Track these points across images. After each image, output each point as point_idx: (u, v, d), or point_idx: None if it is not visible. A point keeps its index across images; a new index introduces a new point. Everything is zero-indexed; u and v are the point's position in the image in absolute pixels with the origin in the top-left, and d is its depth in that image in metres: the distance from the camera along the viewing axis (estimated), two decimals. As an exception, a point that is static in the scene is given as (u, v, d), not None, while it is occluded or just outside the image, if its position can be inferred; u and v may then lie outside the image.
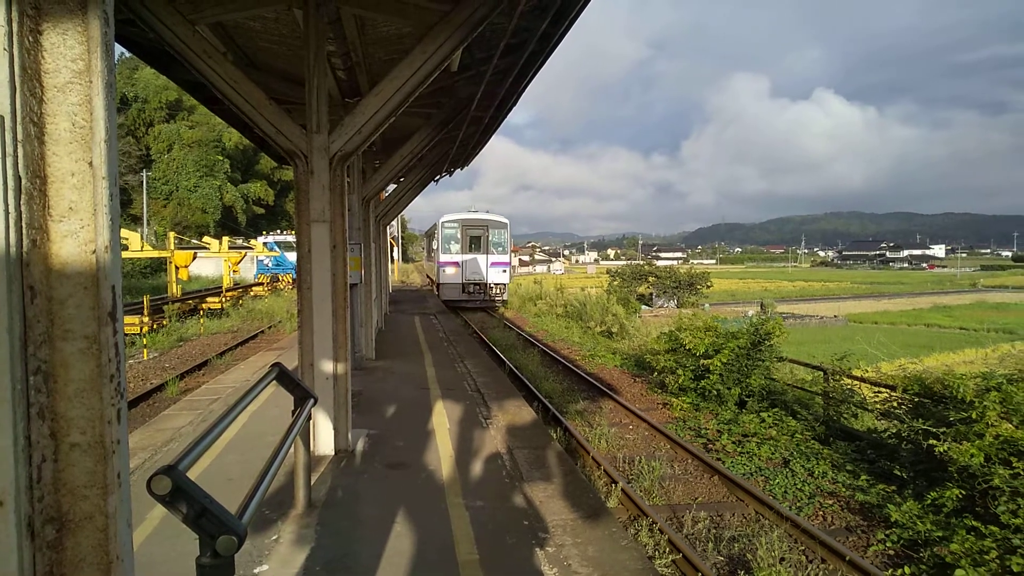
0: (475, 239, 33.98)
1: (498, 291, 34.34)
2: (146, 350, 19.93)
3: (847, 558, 7.10)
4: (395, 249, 55.03)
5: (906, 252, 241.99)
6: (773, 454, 10.69)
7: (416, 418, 9.31)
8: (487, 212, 35.56)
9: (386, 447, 7.94)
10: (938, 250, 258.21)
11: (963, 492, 7.76)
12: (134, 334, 21.33)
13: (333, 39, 8.73)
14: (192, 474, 2.84)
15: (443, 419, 9.24)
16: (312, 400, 5.72)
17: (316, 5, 7.05)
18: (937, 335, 40.21)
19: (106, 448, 1.99)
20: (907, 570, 7.16)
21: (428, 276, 49.62)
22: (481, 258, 33.93)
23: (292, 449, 5.45)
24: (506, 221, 34.74)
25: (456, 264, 33.62)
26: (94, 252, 1.96)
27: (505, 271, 34.42)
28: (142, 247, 30.12)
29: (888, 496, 8.63)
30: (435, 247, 36.55)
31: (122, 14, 6.42)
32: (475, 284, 33.85)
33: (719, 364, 13.32)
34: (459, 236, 33.96)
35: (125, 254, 31.04)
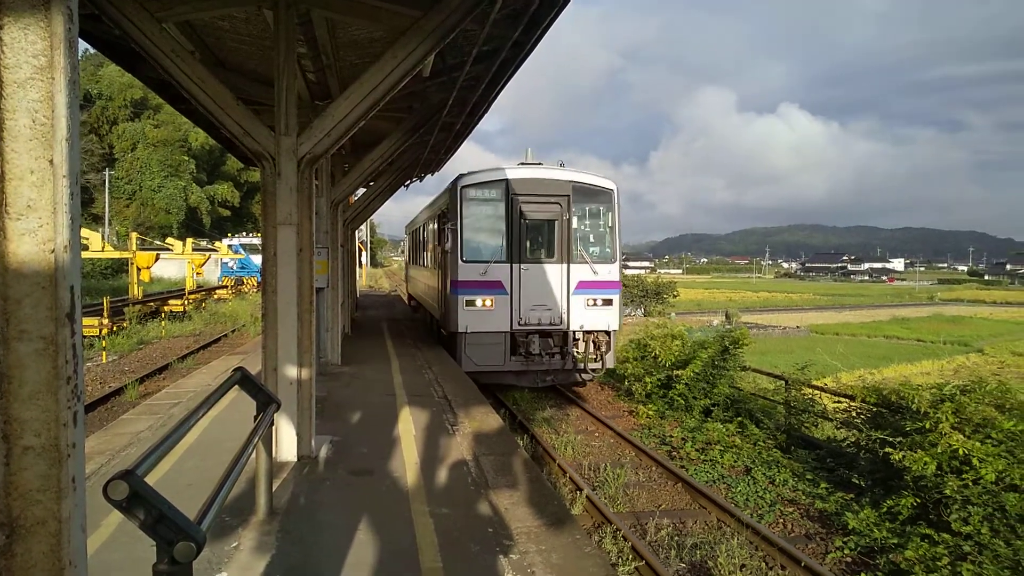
0: (538, 228, 15.18)
1: (592, 348, 15.36)
2: (105, 353, 19.50)
3: (803, 564, 7.21)
4: (364, 254, 54.44)
5: (867, 265, 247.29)
6: (736, 462, 10.82)
7: (382, 425, 9.25)
8: (560, 165, 15.80)
9: (350, 454, 7.87)
10: (897, 263, 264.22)
11: (918, 501, 7.94)
12: (93, 336, 20.89)
13: (304, 41, 8.68)
14: (151, 479, 2.79)
15: (409, 426, 9.18)
16: (275, 405, 5.65)
17: (286, 6, 6.99)
18: (895, 347, 41.16)
19: (61, 452, 1.95)
20: (864, 577, 7.30)
21: (416, 298, 26.54)
22: (554, 271, 15.04)
23: (254, 455, 5.38)
24: (611, 187, 15.49)
25: (496, 287, 14.68)
26: (53, 251, 1.93)
27: (611, 302, 15.22)
28: (103, 247, 29.51)
29: (846, 504, 8.79)
30: (443, 245, 15.67)
31: (87, 9, 6.30)
32: (542, 332, 15.00)
33: (690, 374, 13.50)
34: (502, 219, 14.86)
35: (85, 254, 30.37)
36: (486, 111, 12.53)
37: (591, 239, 15.20)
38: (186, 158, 67.01)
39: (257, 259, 43.19)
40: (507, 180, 14.68)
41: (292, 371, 7.18)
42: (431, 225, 19.51)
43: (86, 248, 28.60)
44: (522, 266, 14.65)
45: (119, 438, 8.46)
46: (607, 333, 15.20)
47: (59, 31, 1.91)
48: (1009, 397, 8.62)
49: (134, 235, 30.10)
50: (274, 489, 6.14)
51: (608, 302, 15.03)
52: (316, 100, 11.09)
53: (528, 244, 14.89)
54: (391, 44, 6.79)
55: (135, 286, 29.42)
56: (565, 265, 14.80)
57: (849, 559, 7.84)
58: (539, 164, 15.59)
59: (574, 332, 14.97)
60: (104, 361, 18.94)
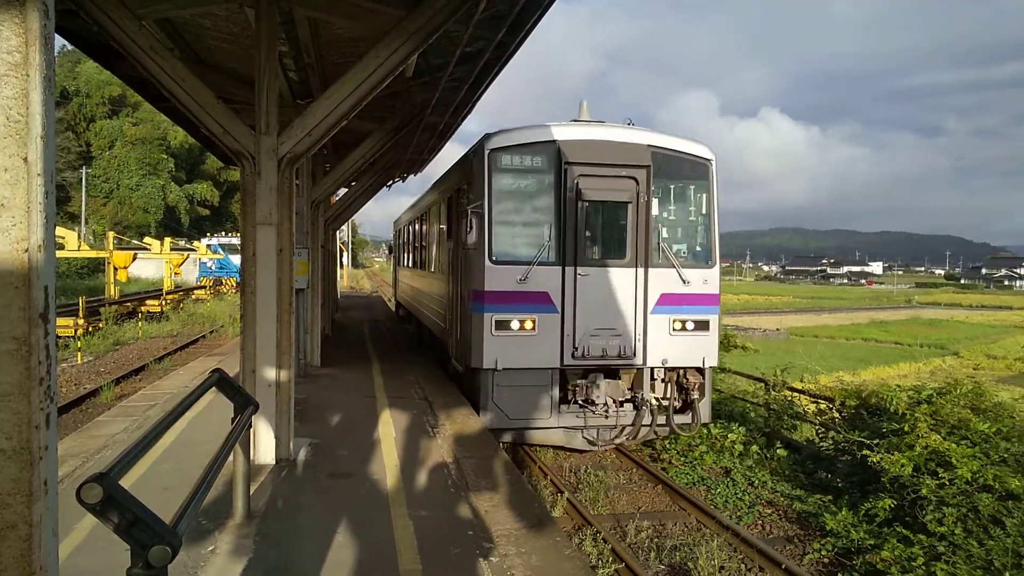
0: (603, 214, 10.40)
1: (676, 392, 10.63)
2: (80, 353, 19.24)
3: (783, 566, 7.27)
4: (345, 254, 54.16)
5: (846, 268, 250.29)
6: (716, 464, 10.89)
7: (361, 427, 9.20)
8: (629, 123, 10.92)
9: (329, 456, 7.82)
10: (876, 267, 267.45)
11: (894, 502, 8.03)
12: (68, 337, 20.60)
13: (285, 40, 8.62)
14: (125, 482, 2.75)
15: (389, 428, 9.14)
16: (253, 407, 5.61)
17: (268, 4, 6.94)
18: (874, 349, 41.69)
19: (33, 454, 1.91)
20: (840, 577, 7.38)
21: (407, 306, 22.29)
22: (624, 278, 10.28)
23: (231, 458, 5.32)
24: (708, 156, 10.74)
25: (540, 300, 9.99)
26: (26, 250, 1.89)
27: (707, 325, 10.51)
28: (79, 246, 29.16)
29: (824, 505, 8.87)
30: (458, 238, 11.41)
31: (64, 5, 6.23)
32: (606, 369, 10.35)
33: None
34: (550, 201, 10.18)
35: (61, 253, 29.97)
36: (470, 111, 12.53)
37: (678, 232, 10.71)
38: (165, 156, 66.29)
39: (236, 259, 42.92)
40: (557, 143, 9.84)
41: (271, 373, 7.12)
42: (435, 213, 14.85)
43: (61, 247, 28.23)
44: (579, 270, 9.90)
45: (94, 440, 8.34)
46: (700, 371, 10.44)
47: (34, 27, 1.88)
48: (983, 400, 8.76)
49: (111, 234, 29.77)
50: (252, 492, 6.08)
51: (703, 325, 10.31)
52: (297, 99, 11.03)
53: (588, 238, 10.14)
54: (374, 44, 6.77)
55: (112, 286, 29.07)
56: (642, 271, 10.10)
57: (827, 560, 7.91)
58: (600, 123, 10.58)
59: (653, 370, 10.32)
60: (79, 362, 18.67)
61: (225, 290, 42.68)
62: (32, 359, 1.91)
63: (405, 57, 6.76)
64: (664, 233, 10.40)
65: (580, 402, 10.12)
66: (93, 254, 31.21)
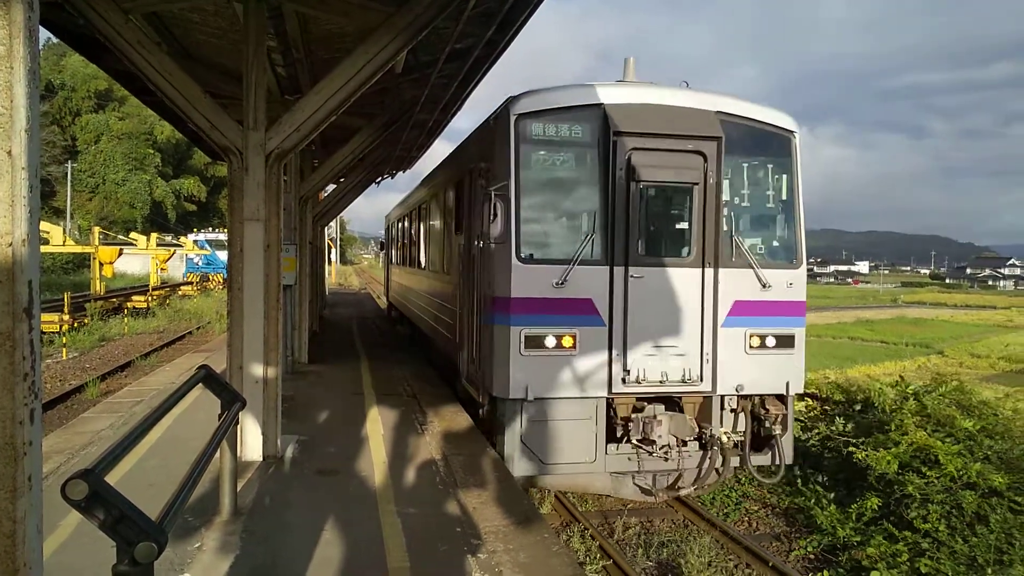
0: (661, 199, 8.53)
1: (750, 424, 8.48)
2: (65, 349, 19.09)
3: (771, 563, 7.32)
4: (333, 251, 53.99)
5: (833, 267, 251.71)
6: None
7: (350, 424, 9.17)
8: (685, 86, 8.54)
9: (317, 453, 7.80)
10: (862, 266, 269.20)
11: (881, 501, 8.11)
12: (53, 332, 20.45)
13: (274, 35, 8.58)
14: (111, 479, 2.74)
15: (378, 425, 9.13)
16: (240, 404, 5.59)
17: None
18: (860, 348, 41.99)
19: (16, 450, 1.90)
20: (827, 574, 7.45)
21: (400, 308, 20.01)
22: (687, 280, 8.20)
23: (218, 454, 5.30)
24: (790, 127, 8.72)
25: (583, 309, 7.93)
26: (10, 245, 1.88)
27: (792, 341, 8.41)
28: (64, 241, 28.96)
29: (810, 503, 8.93)
30: (476, 229, 8.91)
31: (49, -3, 6.16)
32: (665, 398, 8.30)
33: None
34: (594, 181, 8.13)
35: (45, 249, 29.71)
36: (459, 109, 12.51)
37: (753, 223, 8.92)
38: (151, 151, 65.74)
39: (223, 255, 42.66)
40: (604, 108, 7.89)
41: (258, 369, 7.09)
42: (439, 202, 12.74)
43: (46, 242, 28.02)
44: (631, 271, 7.93)
45: (79, 437, 8.28)
46: (782, 399, 8.38)
47: (18, 19, 1.86)
48: (967, 397, 8.86)
49: (97, 229, 29.55)
50: (239, 489, 6.05)
51: (786, 341, 8.35)
52: (286, 95, 10.98)
53: (643, 230, 8.16)
54: (363, 39, 6.75)
55: (97, 281, 28.86)
56: (710, 271, 8.11)
57: (812, 556, 7.98)
58: (655, 83, 8.50)
59: (723, 398, 8.28)
60: (64, 358, 18.53)
61: (212, 286, 42.42)
62: (16, 354, 1.89)
63: (394, 53, 6.74)
64: (738, 223, 8.45)
65: (634, 441, 8.00)
66: (78, 249, 30.96)
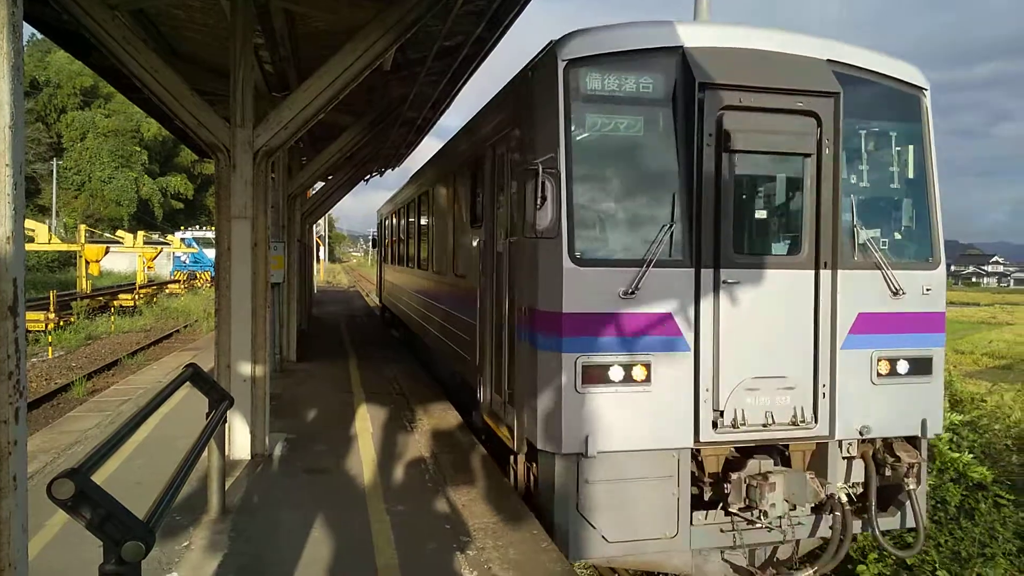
0: (761, 176, 6.50)
1: (875, 473, 6.36)
2: (51, 348, 18.95)
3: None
4: (321, 248, 53.80)
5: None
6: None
7: (338, 422, 9.15)
8: (786, 33, 6.37)
9: (306, 452, 7.78)
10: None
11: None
12: (39, 331, 20.30)
13: (262, 32, 8.53)
14: (98, 478, 2.73)
15: (366, 423, 9.11)
16: (228, 402, 5.58)
17: (244, -4, 6.88)
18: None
19: (1, 449, 1.89)
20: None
21: (396, 312, 18.66)
22: (796, 286, 6.12)
23: (206, 453, 5.28)
24: (922, 84, 6.66)
25: (660, 327, 5.88)
26: (-6, 242, 1.87)
27: (929, 366, 6.45)
28: (50, 239, 28.73)
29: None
30: (493, 216, 7.58)
31: (33, -7, 6.11)
32: (769, 446, 6.19)
33: None
34: (669, 144, 6.01)
35: (31, 246, 29.47)
36: (448, 106, 12.50)
37: (875, 209, 6.71)
38: (138, 149, 65.25)
39: (211, 253, 42.38)
40: (684, 53, 5.98)
41: (246, 368, 7.07)
42: (448, 189, 10.41)
43: (31, 240, 27.78)
44: (724, 274, 6.00)
45: (65, 436, 8.23)
46: (913, 442, 6.52)
47: (1, 14, 1.85)
48: (952, 393, 8.94)
49: (83, 227, 29.34)
50: (227, 488, 6.04)
51: (922, 366, 6.47)
52: (273, 92, 10.93)
53: (740, 218, 6.26)
54: (351, 36, 6.73)
55: (83, 280, 28.67)
56: (826, 274, 6.18)
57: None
58: (738, 24, 6.48)
59: (842, 443, 6.37)
60: (50, 356, 18.38)
61: (199, 284, 42.20)
62: (0, 352, 1.88)
63: (383, 50, 6.73)
64: (858, 209, 6.38)
65: (732, 509, 5.97)
66: (64, 247, 30.73)
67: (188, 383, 5.17)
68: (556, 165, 5.72)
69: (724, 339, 5.91)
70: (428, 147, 14.96)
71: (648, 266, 5.73)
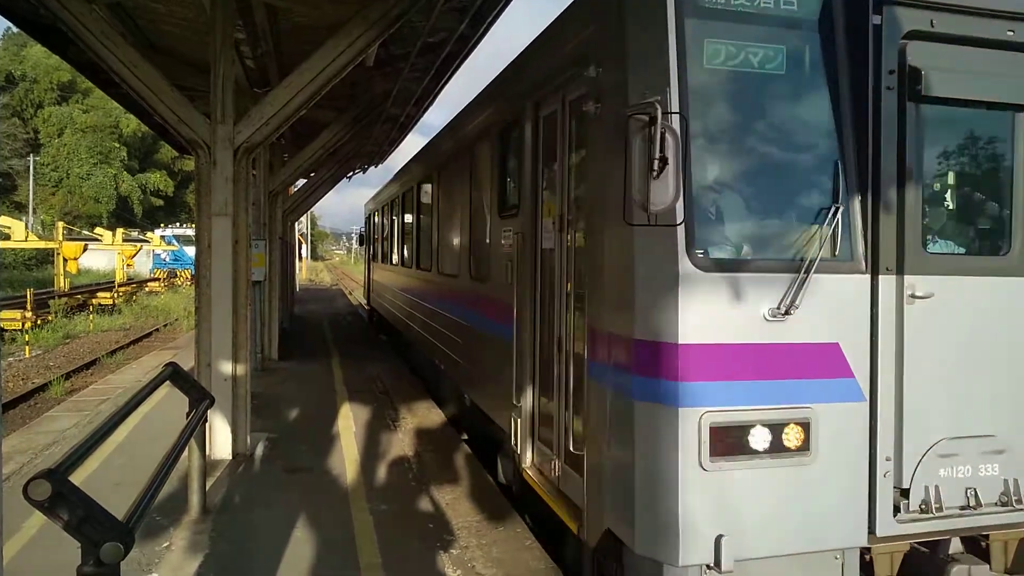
0: (950, 135, 4.23)
1: None
2: (28, 347, 18.68)
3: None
4: (304, 246, 53.47)
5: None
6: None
7: (321, 421, 9.11)
8: None
9: (288, 451, 7.73)
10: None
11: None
12: (15, 330, 20.02)
13: (242, 26, 8.46)
14: (76, 479, 2.69)
15: (349, 422, 9.07)
16: (209, 402, 5.53)
17: (224, -10, 6.81)
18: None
19: (-24, 451, 1.85)
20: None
21: (386, 316, 16.89)
22: (1008, 296, 4.05)
23: (186, 453, 5.24)
24: None
25: (822, 369, 3.79)
26: (-33, 239, 1.83)
27: None
28: (26, 237, 28.39)
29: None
30: (532, 195, 5.70)
31: (8, -14, 6.02)
32: (971, 536, 4.15)
33: None
34: (824, 88, 3.90)
35: (7, 244, 29.11)
36: (431, 103, 12.46)
37: None
38: (117, 145, 64.49)
39: (191, 251, 41.91)
40: None
41: (227, 366, 7.01)
42: (466, 167, 8.10)
43: (7, 238, 27.42)
44: (911, 282, 3.88)
45: (42, 436, 8.14)
46: None
47: (-25, 6, 1.81)
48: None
49: (60, 224, 29.00)
50: (207, 488, 5.99)
51: None
52: (255, 88, 10.83)
53: (935, 199, 4.34)
54: (334, 32, 6.70)
55: (61, 278, 28.33)
56: None
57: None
58: None
59: None
60: (27, 356, 18.12)
61: (180, 282, 41.81)
62: (-25, 352, 1.85)
63: (366, 46, 6.70)
64: None
65: None
66: (42, 245, 30.36)
67: (168, 382, 5.11)
68: (665, 110, 3.46)
69: (910, 382, 3.94)
70: (414, 143, 14.90)
71: (809, 271, 3.71)
